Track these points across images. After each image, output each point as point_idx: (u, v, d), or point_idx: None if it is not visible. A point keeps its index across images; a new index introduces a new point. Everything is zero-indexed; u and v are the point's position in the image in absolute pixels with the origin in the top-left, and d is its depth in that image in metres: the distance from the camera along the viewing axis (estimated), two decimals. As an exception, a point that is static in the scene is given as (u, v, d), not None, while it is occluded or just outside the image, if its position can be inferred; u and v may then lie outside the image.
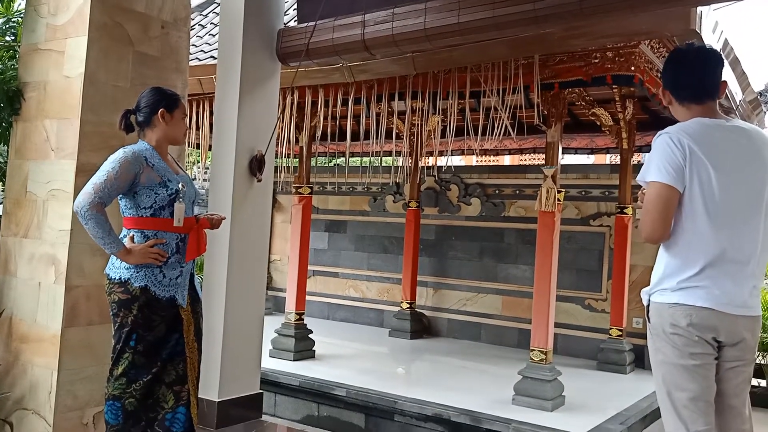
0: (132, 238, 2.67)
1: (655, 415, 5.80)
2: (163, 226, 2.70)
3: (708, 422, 2.16)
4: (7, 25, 4.00)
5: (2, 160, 3.95)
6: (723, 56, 2.38)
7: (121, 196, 2.69)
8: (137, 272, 2.64)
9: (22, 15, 3.82)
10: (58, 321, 3.26)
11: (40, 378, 3.31)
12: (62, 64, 3.44)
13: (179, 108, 2.83)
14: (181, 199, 2.71)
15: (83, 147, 3.32)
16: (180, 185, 2.73)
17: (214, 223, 2.92)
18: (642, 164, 8.65)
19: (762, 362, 7.53)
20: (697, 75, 2.26)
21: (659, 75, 5.21)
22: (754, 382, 7.27)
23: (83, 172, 3.31)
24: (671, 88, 2.31)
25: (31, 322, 3.40)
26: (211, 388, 3.93)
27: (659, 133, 2.23)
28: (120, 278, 2.65)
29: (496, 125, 5.08)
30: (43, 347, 3.32)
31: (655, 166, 2.17)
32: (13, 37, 3.97)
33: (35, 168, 3.50)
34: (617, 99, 6.29)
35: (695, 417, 2.15)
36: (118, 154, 2.66)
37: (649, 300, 2.28)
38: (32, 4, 3.64)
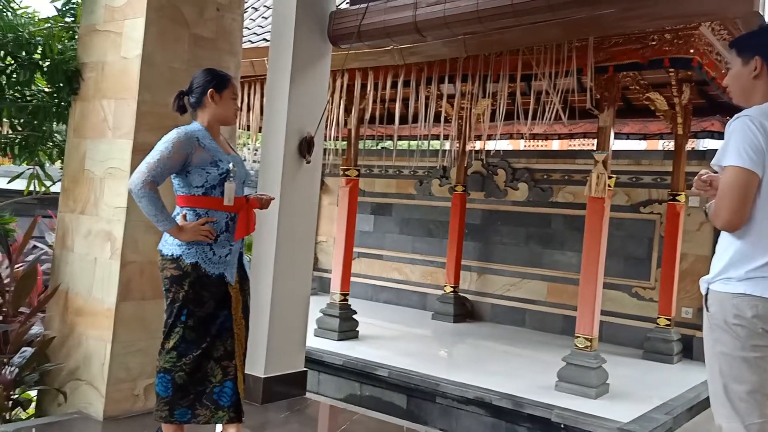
0: (184, 216, 2.73)
1: (701, 406, 5.66)
2: (214, 204, 2.75)
3: (763, 415, 2.10)
4: (67, 7, 4.11)
5: (61, 139, 4.09)
6: None
7: (174, 175, 2.74)
8: (188, 249, 2.70)
9: (81, -3, 3.92)
10: (113, 295, 3.38)
11: (93, 350, 3.44)
12: (120, 45, 3.52)
13: (228, 88, 2.86)
14: (231, 179, 2.75)
15: (139, 126, 3.41)
16: (231, 165, 2.77)
17: (264, 203, 2.96)
18: (696, 150, 8.37)
19: None
20: None
21: (719, 58, 5.04)
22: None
23: (139, 151, 3.40)
24: None
25: (86, 296, 3.52)
26: (257, 365, 4.01)
27: (737, 115, 2.12)
28: (172, 254, 2.72)
29: (546, 109, 4.98)
30: (98, 320, 3.44)
31: (734, 149, 2.07)
32: (72, 18, 4.08)
33: (93, 147, 3.61)
34: (673, 83, 6.07)
35: (751, 410, 2.10)
36: (171, 135, 2.71)
37: (709, 289, 2.20)
38: (91, -14, 3.73)
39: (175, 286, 2.73)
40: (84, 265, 3.57)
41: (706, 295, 2.21)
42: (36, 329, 3.70)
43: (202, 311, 2.76)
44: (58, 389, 3.49)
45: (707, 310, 2.21)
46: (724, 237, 2.20)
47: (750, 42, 2.24)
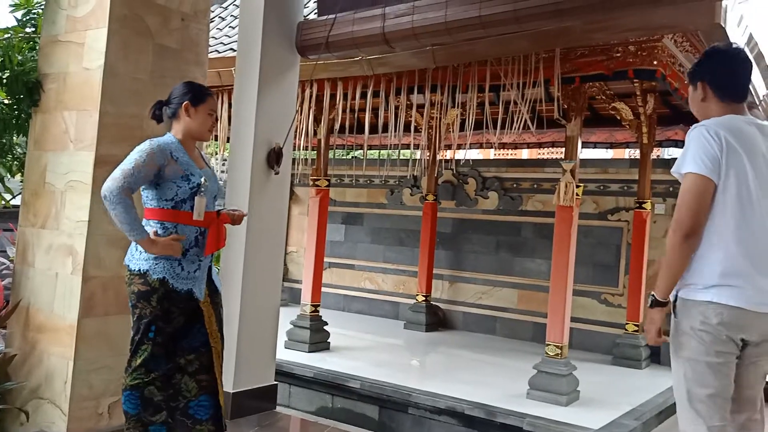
0: (155, 232, 2.68)
1: (670, 411, 5.74)
2: (183, 218, 2.71)
3: (723, 418, 2.19)
4: (28, 17, 4.01)
5: (21, 152, 3.99)
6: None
7: (144, 187, 2.70)
8: (156, 264, 2.65)
9: (42, 7, 3.84)
10: (75, 311, 3.29)
11: (56, 367, 3.35)
12: (82, 55, 3.45)
13: (206, 103, 2.82)
14: (202, 193, 2.71)
15: (102, 138, 3.34)
16: (202, 179, 2.74)
17: (235, 219, 2.92)
18: (661, 158, 8.55)
19: None
20: (745, 77, 2.32)
21: (682, 69, 5.16)
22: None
23: (102, 164, 3.33)
24: (714, 85, 2.30)
25: (48, 312, 3.43)
26: (226, 380, 3.92)
27: (695, 125, 2.23)
28: (139, 270, 2.67)
29: (515, 119, 5.03)
30: (60, 337, 3.35)
31: (691, 157, 2.16)
32: (33, 29, 3.99)
33: (54, 159, 3.53)
34: (638, 93, 6.19)
35: (712, 413, 2.18)
36: (145, 145, 2.67)
37: (677, 296, 2.25)
38: (53, -4, 3.66)
39: (142, 302, 2.67)
40: (45, 280, 3.48)
41: (674, 301, 2.26)
42: (-5, 347, 3.59)
43: (171, 327, 2.72)
44: (20, 408, 3.39)
45: (675, 316, 2.27)
46: None
47: (696, 69, 2.39)
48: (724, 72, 2.30)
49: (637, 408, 5.24)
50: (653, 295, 2.25)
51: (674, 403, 4.43)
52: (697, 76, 2.36)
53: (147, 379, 2.68)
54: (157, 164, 2.64)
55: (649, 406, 5.34)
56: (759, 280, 2.14)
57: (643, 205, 6.82)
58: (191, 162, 2.76)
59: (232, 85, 4.36)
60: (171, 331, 2.72)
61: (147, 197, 2.73)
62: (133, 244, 2.69)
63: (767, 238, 2.16)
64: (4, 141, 3.89)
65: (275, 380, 4.31)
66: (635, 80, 5.54)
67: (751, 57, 2.41)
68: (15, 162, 4.04)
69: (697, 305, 2.18)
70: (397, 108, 5.84)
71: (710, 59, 2.37)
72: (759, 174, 2.17)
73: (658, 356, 6.90)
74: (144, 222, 2.71)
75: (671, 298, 2.27)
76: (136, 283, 2.67)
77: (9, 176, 4.09)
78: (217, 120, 3.09)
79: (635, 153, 9.28)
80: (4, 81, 3.62)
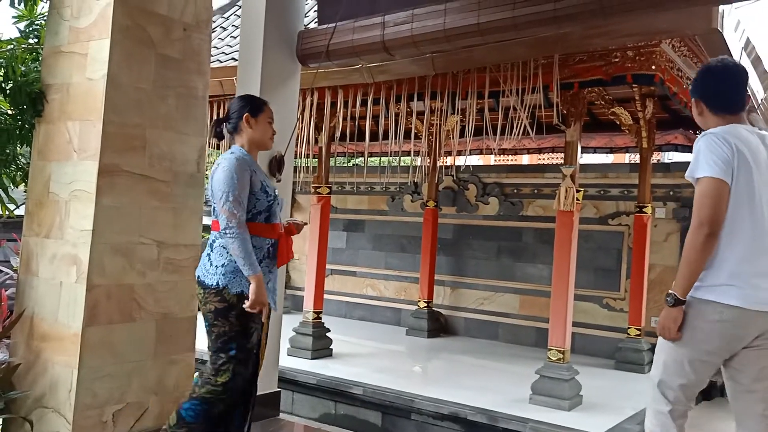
0: (214, 241, 2.71)
1: (674, 417, 5.75)
2: (259, 231, 2.71)
3: (687, 405, 2.36)
4: (30, 28, 4.04)
5: (25, 162, 4.01)
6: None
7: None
8: (234, 278, 2.64)
9: (45, 18, 3.87)
10: (79, 320, 3.30)
11: (60, 376, 3.35)
12: (85, 66, 3.48)
13: (264, 112, 2.89)
14: (279, 205, 2.75)
15: (106, 148, 3.36)
16: (276, 191, 2.78)
17: (298, 229, 2.94)
18: (661, 162, 8.57)
19: None
20: (737, 90, 2.43)
21: (680, 74, 5.19)
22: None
23: (106, 173, 3.35)
24: (707, 102, 2.44)
25: (52, 321, 3.44)
26: (229, 387, 3.96)
27: (703, 133, 2.35)
28: (217, 284, 2.65)
29: (515, 125, 5.06)
30: (64, 346, 3.36)
31: (705, 161, 2.26)
32: (36, 40, 4.02)
33: (58, 169, 3.55)
34: (637, 98, 6.22)
35: (679, 398, 2.34)
36: (229, 164, 2.66)
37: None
38: (55, 7, 3.68)
39: (220, 319, 2.66)
40: (49, 289, 3.49)
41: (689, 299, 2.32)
42: (0, 356, 3.60)
43: (250, 343, 2.72)
44: (24, 417, 3.39)
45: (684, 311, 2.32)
46: None
47: (692, 86, 2.55)
48: (716, 89, 2.44)
49: (640, 412, 5.23)
50: (675, 294, 2.29)
51: None
52: (693, 93, 2.51)
53: (222, 396, 2.68)
54: (248, 174, 2.68)
55: (652, 411, 5.34)
56: (760, 280, 2.23)
57: (644, 209, 6.84)
58: (264, 174, 2.84)
59: (234, 94, 4.39)
60: (250, 347, 2.72)
61: (214, 209, 2.74)
62: (206, 256, 2.71)
63: (762, 245, 2.27)
64: (8, 151, 3.91)
65: (278, 387, 4.32)
66: (634, 85, 5.57)
67: (746, 66, 2.53)
68: (19, 172, 4.06)
69: (700, 303, 2.27)
70: (397, 115, 5.87)
71: (703, 77, 2.51)
72: (763, 180, 2.28)
73: (660, 360, 6.90)
74: (215, 235, 2.72)
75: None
76: (212, 301, 2.66)
77: (13, 186, 4.11)
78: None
79: (635, 157, 9.30)
80: (8, 92, 3.65)
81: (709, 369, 2.33)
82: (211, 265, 2.68)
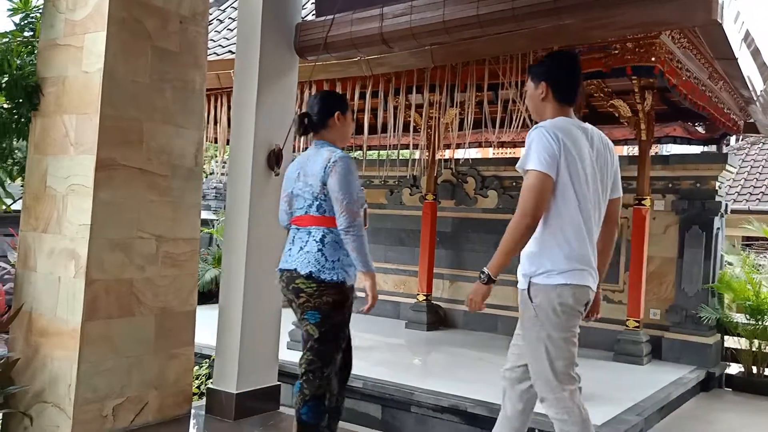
0: (324, 237, 2.81)
1: (672, 406, 5.76)
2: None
3: (575, 381, 2.59)
4: (26, 21, 4.02)
5: (21, 156, 3.99)
6: None
7: (324, 196, 2.81)
8: (348, 271, 2.82)
9: (40, 10, 3.84)
10: (78, 315, 3.30)
11: (59, 371, 3.36)
12: (81, 59, 3.46)
13: (350, 110, 3.04)
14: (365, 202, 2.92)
15: (102, 142, 3.34)
16: (362, 189, 2.92)
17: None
18: (659, 154, 8.56)
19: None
20: (579, 82, 2.66)
21: (680, 66, 5.17)
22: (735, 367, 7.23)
23: (103, 167, 3.34)
24: (554, 87, 2.60)
25: (50, 316, 3.44)
26: (229, 380, 3.96)
27: (534, 127, 2.53)
28: (337, 279, 2.79)
29: (514, 117, 5.04)
30: (63, 341, 3.36)
31: (534, 155, 2.46)
32: (31, 33, 4.00)
33: (54, 163, 3.53)
34: (636, 90, 6.20)
35: (570, 378, 2.57)
36: (346, 163, 2.79)
37: (531, 282, 2.57)
38: (50, 0, 3.66)
39: (336, 311, 2.81)
40: (47, 284, 3.48)
41: (528, 288, 2.58)
42: (-1, 351, 3.60)
43: (349, 331, 2.94)
44: (24, 412, 3.39)
45: (531, 301, 2.57)
46: (536, 236, 2.54)
47: (540, 69, 2.67)
48: (565, 76, 2.61)
49: (639, 403, 5.25)
50: (488, 273, 2.57)
51: (676, 398, 4.62)
52: (540, 76, 2.63)
53: (329, 387, 2.84)
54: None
55: (651, 402, 5.35)
56: (592, 260, 2.54)
57: (643, 202, 6.82)
58: None
59: (231, 88, 4.37)
60: (349, 335, 2.95)
61: (318, 207, 2.84)
62: (317, 253, 2.79)
63: (592, 227, 2.52)
64: (4, 145, 3.90)
65: (278, 381, 4.32)
66: (633, 77, 5.55)
67: (746, 57, 2.62)
68: (15, 166, 4.04)
69: (554, 289, 2.50)
70: (395, 108, 5.85)
71: (553, 61, 2.65)
72: (586, 172, 2.49)
73: (659, 352, 6.92)
74: (308, 229, 2.84)
75: (524, 286, 2.60)
76: (329, 293, 2.78)
77: (9, 181, 4.09)
78: None
79: (633, 150, 9.29)
80: (3, 85, 3.63)
81: (576, 344, 2.58)
82: (326, 260, 2.79)
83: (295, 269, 2.83)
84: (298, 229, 2.95)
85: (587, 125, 2.63)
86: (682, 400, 6.08)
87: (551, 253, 2.50)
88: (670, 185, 7.12)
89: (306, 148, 3.11)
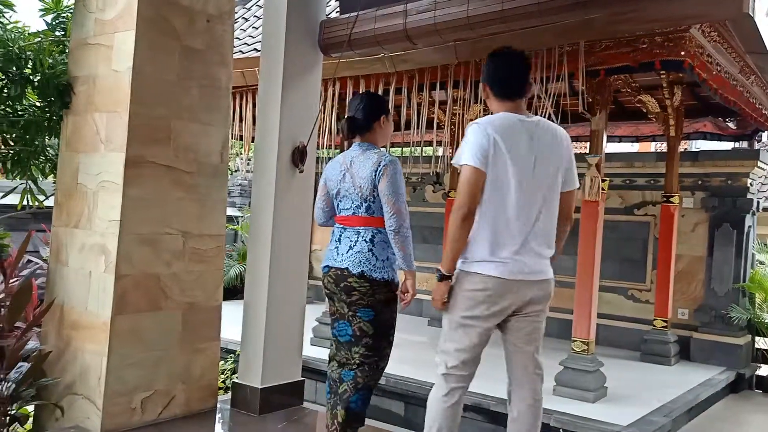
0: (373, 237, 2.92)
1: (700, 407, 5.67)
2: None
3: (462, 370, 2.69)
4: (57, 21, 4.09)
5: (53, 153, 4.07)
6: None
7: (374, 198, 2.92)
8: (393, 270, 2.94)
9: (71, 10, 3.91)
10: (108, 309, 3.36)
11: (90, 364, 3.42)
12: (111, 58, 3.51)
13: (390, 113, 3.15)
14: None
15: (132, 139, 3.40)
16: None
17: None
18: (689, 151, 8.46)
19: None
20: (516, 77, 2.67)
21: (710, 60, 5.07)
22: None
23: (132, 164, 3.39)
24: (491, 86, 2.69)
25: (81, 309, 3.51)
26: (254, 375, 4.00)
27: (471, 123, 2.62)
28: (387, 277, 2.90)
29: (538, 113, 4.99)
30: (94, 334, 3.42)
31: (467, 150, 2.55)
32: (62, 32, 4.07)
33: (86, 160, 3.60)
34: (665, 85, 6.11)
35: (452, 362, 2.67)
36: (396, 165, 2.92)
37: (458, 268, 2.64)
38: (81, 0, 3.73)
39: (388, 308, 2.94)
40: (79, 279, 3.55)
41: (456, 273, 2.65)
42: (32, 344, 3.67)
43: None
44: (56, 404, 3.47)
45: (452, 282, 2.66)
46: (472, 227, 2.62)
47: (483, 72, 2.79)
48: (498, 74, 2.68)
49: (667, 404, 5.19)
50: (440, 270, 2.61)
51: (705, 400, 4.57)
52: (482, 78, 2.76)
53: (378, 380, 2.99)
54: None
55: (679, 403, 5.28)
56: (516, 255, 2.54)
57: (671, 199, 6.73)
58: None
59: (256, 85, 4.40)
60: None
61: (366, 207, 2.94)
62: (367, 253, 2.90)
63: (523, 221, 2.54)
64: (37, 143, 3.98)
65: (302, 376, 4.35)
66: (662, 72, 5.47)
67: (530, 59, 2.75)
68: (48, 164, 4.12)
69: (468, 275, 2.59)
70: (419, 105, 5.84)
71: (489, 62, 2.74)
72: (518, 167, 2.53)
73: (687, 352, 6.82)
74: (356, 229, 2.94)
75: (456, 271, 2.66)
76: (382, 292, 2.90)
77: (42, 178, 4.18)
78: None
79: (661, 146, 9.15)
80: (36, 84, 3.70)
81: (477, 333, 2.62)
82: (377, 259, 2.89)
83: (347, 268, 2.91)
84: (345, 229, 3.02)
85: (535, 118, 2.67)
86: (711, 401, 5.98)
87: (474, 243, 2.59)
88: (700, 182, 7.00)
89: (339, 148, 3.20)
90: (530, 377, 2.73)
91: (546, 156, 2.60)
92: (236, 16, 7.36)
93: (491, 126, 2.57)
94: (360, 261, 2.89)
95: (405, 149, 8.97)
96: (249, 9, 7.90)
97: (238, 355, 4.29)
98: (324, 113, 5.84)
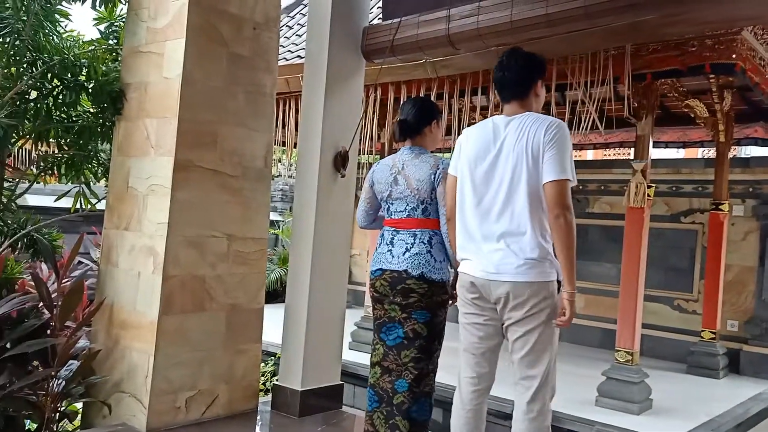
0: (431, 239, 2.94)
1: (750, 422, 5.47)
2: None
3: (473, 371, 2.75)
4: (110, 30, 4.23)
5: (105, 158, 4.20)
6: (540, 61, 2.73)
7: (431, 200, 2.96)
8: (447, 272, 2.97)
9: (124, 19, 4.04)
10: (156, 309, 3.44)
11: (137, 363, 3.51)
12: (161, 65, 3.61)
13: (442, 118, 3.27)
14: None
15: (180, 144, 3.48)
16: None
17: None
18: (739, 157, 8.17)
19: None
20: (506, 81, 2.64)
21: (762, 63, 4.92)
22: None
23: (180, 169, 3.48)
24: (495, 89, 2.73)
25: (130, 309, 3.60)
26: (294, 378, 4.03)
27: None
28: (443, 279, 2.94)
29: (582, 119, 4.92)
30: (141, 333, 3.51)
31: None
32: (115, 41, 4.20)
33: (136, 164, 3.70)
34: (714, 89, 5.94)
35: (464, 365, 2.77)
36: (441, 167, 2.95)
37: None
38: (133, 9, 3.84)
39: (443, 310, 3.00)
40: (128, 279, 3.65)
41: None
42: (82, 343, 3.78)
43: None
44: (103, 401, 3.56)
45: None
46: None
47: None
48: (494, 79, 2.71)
49: (715, 419, 5.02)
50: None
51: (756, 414, 4.43)
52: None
53: (434, 386, 3.02)
54: None
55: (728, 417, 5.10)
56: (476, 255, 2.59)
57: (720, 207, 6.53)
58: None
59: (299, 92, 4.45)
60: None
61: (423, 209, 2.98)
62: (426, 254, 2.93)
63: (485, 222, 2.56)
64: (90, 148, 4.11)
65: (341, 380, 4.36)
66: (711, 76, 5.31)
67: (538, 59, 2.70)
68: (100, 168, 4.26)
69: (460, 276, 2.71)
70: (460, 110, 5.82)
71: (495, 67, 2.73)
72: (473, 168, 2.60)
73: (737, 365, 6.59)
74: (412, 231, 2.97)
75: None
76: (439, 293, 2.94)
77: (94, 181, 4.32)
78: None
79: (709, 152, 8.91)
80: (90, 91, 3.83)
81: (472, 330, 2.70)
82: (435, 261, 2.91)
83: (405, 270, 2.91)
84: (398, 231, 3.01)
85: (522, 115, 2.57)
86: (762, 416, 5.76)
87: (458, 243, 2.72)
88: (751, 189, 6.78)
89: (380, 153, 3.23)
90: (517, 388, 2.68)
91: (509, 151, 2.51)
92: (281, 24, 7.48)
93: (465, 133, 2.71)
94: (420, 263, 2.89)
95: (446, 154, 8.94)
96: (293, 17, 8.01)
97: (279, 357, 4.34)
98: (366, 119, 5.87)
